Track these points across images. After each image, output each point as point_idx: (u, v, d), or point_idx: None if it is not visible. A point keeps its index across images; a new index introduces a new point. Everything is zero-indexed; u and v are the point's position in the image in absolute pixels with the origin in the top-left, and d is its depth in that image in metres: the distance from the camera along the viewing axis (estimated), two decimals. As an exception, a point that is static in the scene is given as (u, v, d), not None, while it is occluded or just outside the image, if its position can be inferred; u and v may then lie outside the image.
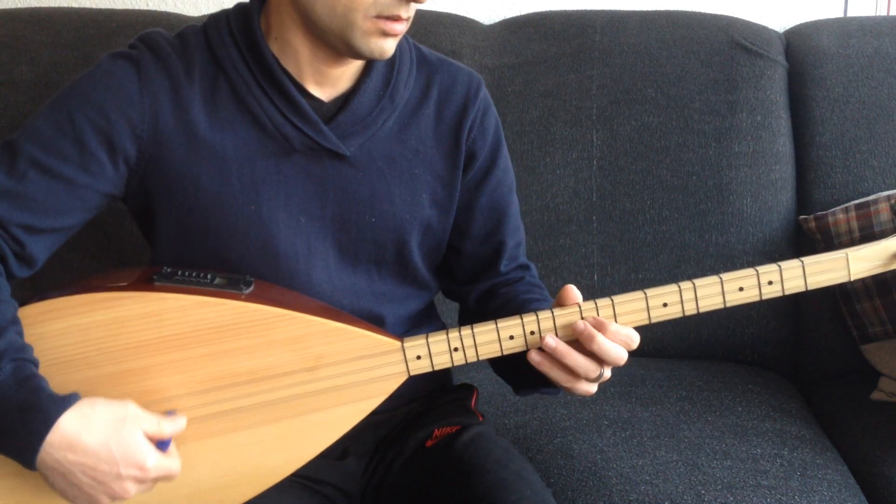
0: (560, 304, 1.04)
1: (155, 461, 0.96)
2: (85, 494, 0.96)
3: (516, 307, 1.09)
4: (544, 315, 1.03)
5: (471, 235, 1.22)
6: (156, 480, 0.98)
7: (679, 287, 1.02)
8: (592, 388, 1.04)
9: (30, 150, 1.03)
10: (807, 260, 1.02)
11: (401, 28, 1.04)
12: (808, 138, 1.74)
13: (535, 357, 1.03)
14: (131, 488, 0.96)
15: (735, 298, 1.03)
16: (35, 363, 0.97)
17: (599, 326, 1.01)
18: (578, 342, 1.02)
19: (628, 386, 1.57)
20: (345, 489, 1.16)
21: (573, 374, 1.02)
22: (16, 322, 0.98)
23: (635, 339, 1.02)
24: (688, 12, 1.84)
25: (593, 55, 1.75)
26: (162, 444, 0.98)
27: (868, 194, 1.68)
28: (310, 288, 1.12)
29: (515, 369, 1.14)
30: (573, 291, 1.04)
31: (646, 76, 1.73)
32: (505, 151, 1.23)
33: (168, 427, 0.99)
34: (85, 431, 0.93)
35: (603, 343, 1.00)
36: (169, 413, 1.01)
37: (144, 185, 1.09)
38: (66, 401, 0.94)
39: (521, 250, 1.27)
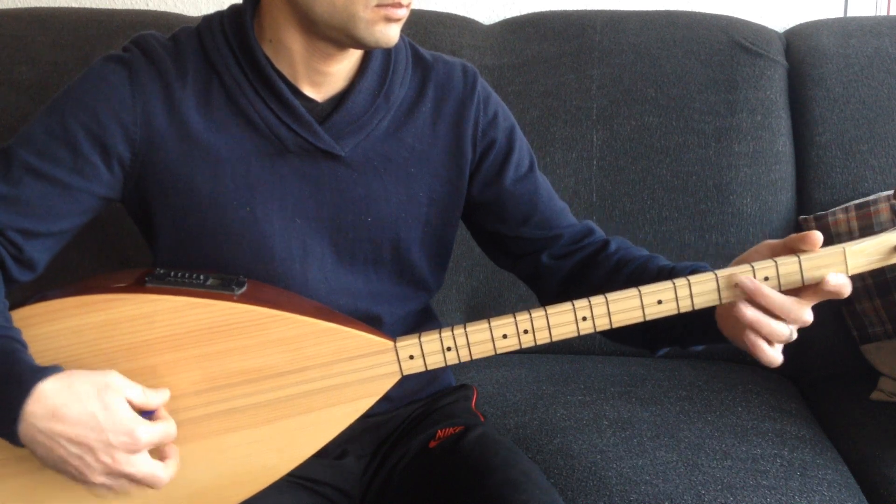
0: (798, 247, 1.02)
1: (145, 428, 0.94)
2: (73, 468, 0.93)
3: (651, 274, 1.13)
4: (537, 314, 1.02)
5: (526, 215, 1.21)
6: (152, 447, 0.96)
7: (674, 284, 1.02)
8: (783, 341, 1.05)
9: (24, 156, 1.04)
10: (803, 255, 1.01)
11: (403, 13, 1.03)
12: (808, 138, 1.74)
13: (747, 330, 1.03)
14: (122, 459, 0.93)
15: (731, 295, 1.02)
16: (23, 344, 0.95)
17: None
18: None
19: (628, 386, 1.56)
20: (344, 489, 1.16)
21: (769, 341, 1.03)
22: (3, 313, 0.97)
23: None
24: (688, 12, 1.84)
25: (593, 55, 1.75)
26: (145, 416, 0.96)
27: (868, 194, 1.67)
28: (306, 289, 1.11)
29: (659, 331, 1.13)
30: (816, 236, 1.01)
31: (646, 76, 1.73)
32: (519, 132, 1.23)
33: (154, 398, 0.97)
34: (69, 400, 0.91)
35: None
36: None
37: (140, 187, 1.09)
38: (46, 370, 0.92)
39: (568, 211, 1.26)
